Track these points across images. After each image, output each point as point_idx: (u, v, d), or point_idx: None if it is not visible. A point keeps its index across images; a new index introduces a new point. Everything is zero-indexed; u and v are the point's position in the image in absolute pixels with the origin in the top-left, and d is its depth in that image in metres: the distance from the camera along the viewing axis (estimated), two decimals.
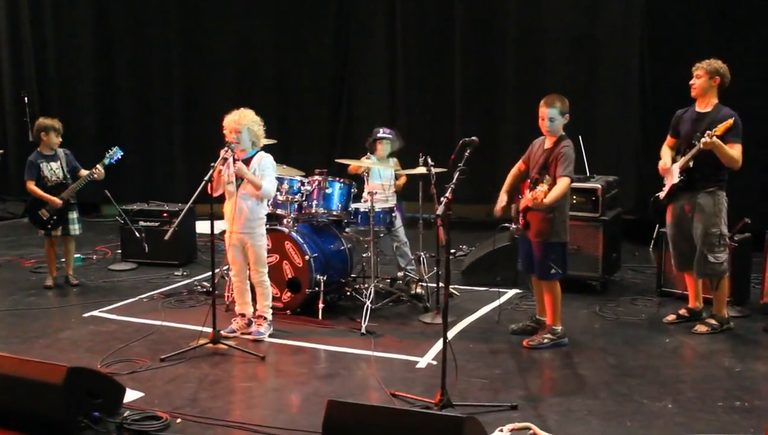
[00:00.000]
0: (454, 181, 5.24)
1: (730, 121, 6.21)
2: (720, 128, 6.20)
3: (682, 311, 7.06)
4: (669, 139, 6.84)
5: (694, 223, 6.60)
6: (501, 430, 4.72)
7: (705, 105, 6.55)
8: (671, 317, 7.06)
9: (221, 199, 6.59)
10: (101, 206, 12.27)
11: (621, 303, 7.66)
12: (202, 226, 9.72)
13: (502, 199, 6.48)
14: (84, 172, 8.11)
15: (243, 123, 6.42)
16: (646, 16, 10.11)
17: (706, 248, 6.54)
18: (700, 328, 6.71)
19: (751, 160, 9.25)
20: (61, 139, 8.15)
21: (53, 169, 8.06)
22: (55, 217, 8.04)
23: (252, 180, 6.36)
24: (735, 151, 6.30)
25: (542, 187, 5.74)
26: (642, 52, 10.18)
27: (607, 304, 7.60)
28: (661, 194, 6.80)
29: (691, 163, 6.47)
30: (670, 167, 6.67)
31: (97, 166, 7.99)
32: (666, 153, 6.81)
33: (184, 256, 9.33)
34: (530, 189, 6.11)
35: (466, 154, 5.55)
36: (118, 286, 8.42)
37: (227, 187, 6.48)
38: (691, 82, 6.55)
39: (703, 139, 6.21)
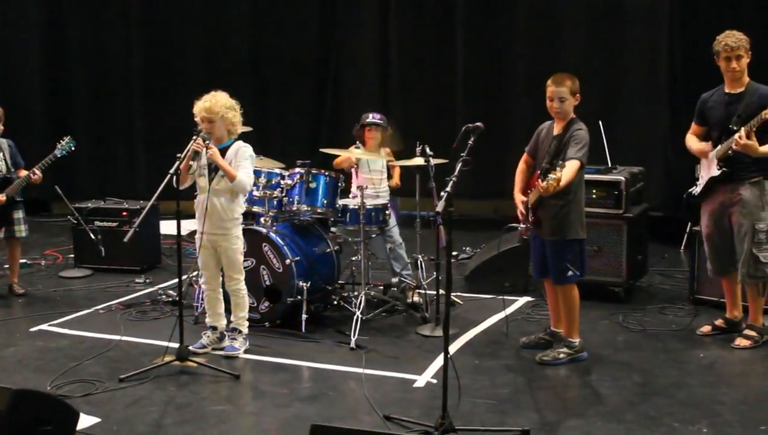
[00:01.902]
0: (456, 173, 5.23)
1: (766, 113, 6.14)
2: (756, 122, 6.17)
3: (719, 322, 7.06)
4: (694, 127, 6.84)
5: (736, 220, 6.60)
6: None
7: (737, 85, 6.53)
8: (706, 329, 7.06)
9: (190, 195, 6.57)
10: (51, 204, 12.24)
11: (648, 312, 7.66)
12: (168, 227, 9.70)
13: (519, 201, 6.47)
14: (23, 173, 8.06)
15: (216, 110, 6.39)
16: None
17: (755, 247, 6.53)
18: (741, 341, 6.71)
19: None
20: (2, 128, 8.11)
21: None
22: None
23: (226, 169, 6.33)
24: None
25: (555, 175, 5.72)
26: (672, 30, 10.20)
27: (632, 313, 7.61)
28: (696, 189, 6.79)
29: (730, 152, 6.46)
30: (708, 154, 6.65)
31: (35, 169, 7.95)
32: (694, 143, 6.81)
33: (147, 261, 9.34)
34: (540, 180, 6.10)
35: (470, 142, 5.56)
36: (71, 296, 8.41)
37: (198, 181, 6.46)
38: (734, 66, 6.44)
39: (735, 139, 6.21)
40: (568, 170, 5.93)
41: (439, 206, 5.12)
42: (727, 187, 6.60)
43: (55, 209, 12.15)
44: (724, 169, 6.53)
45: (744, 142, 6.18)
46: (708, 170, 6.65)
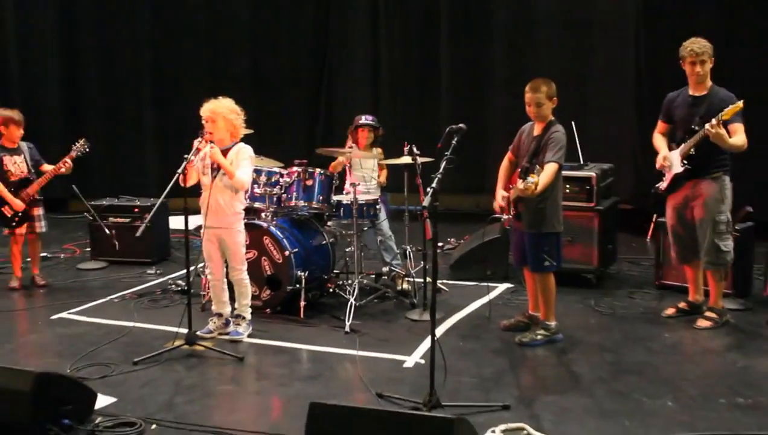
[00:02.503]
0: (441, 170, 5.26)
1: (740, 104, 6.17)
2: (728, 112, 6.17)
3: (682, 305, 7.09)
4: (660, 125, 6.87)
5: (698, 212, 6.63)
6: (493, 431, 4.73)
7: (701, 88, 6.56)
8: (670, 311, 7.10)
9: (196, 192, 6.58)
10: (68, 202, 12.19)
11: (618, 297, 7.69)
12: (176, 222, 9.69)
13: (501, 195, 6.48)
14: (47, 167, 8.07)
15: (217, 112, 6.40)
16: None
17: (716, 237, 6.57)
18: (702, 322, 6.74)
19: (753, 147, 9.34)
20: (23, 132, 8.09)
21: (17, 163, 8.02)
22: (19, 215, 8.00)
23: (226, 167, 6.33)
24: (738, 134, 6.31)
25: (533, 178, 5.75)
26: (638, 34, 10.22)
27: (603, 297, 7.64)
28: (662, 185, 6.81)
29: (692, 150, 6.49)
30: (669, 156, 6.69)
31: (66, 159, 7.95)
32: (660, 142, 6.83)
33: (157, 254, 9.32)
34: (521, 178, 6.11)
35: (454, 142, 5.57)
36: (88, 286, 8.40)
37: (202, 179, 6.47)
38: (698, 70, 6.46)
39: (707, 128, 6.22)
40: (545, 174, 5.96)
41: (426, 201, 5.14)
42: (690, 182, 6.63)
43: (72, 207, 12.09)
44: (687, 166, 6.56)
45: (715, 131, 6.18)
46: (673, 168, 6.67)
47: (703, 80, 6.53)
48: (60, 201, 11.87)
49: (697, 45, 6.45)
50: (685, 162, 6.56)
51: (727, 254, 6.61)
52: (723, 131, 6.20)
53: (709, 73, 6.52)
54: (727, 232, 6.59)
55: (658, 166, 6.78)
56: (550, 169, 6.03)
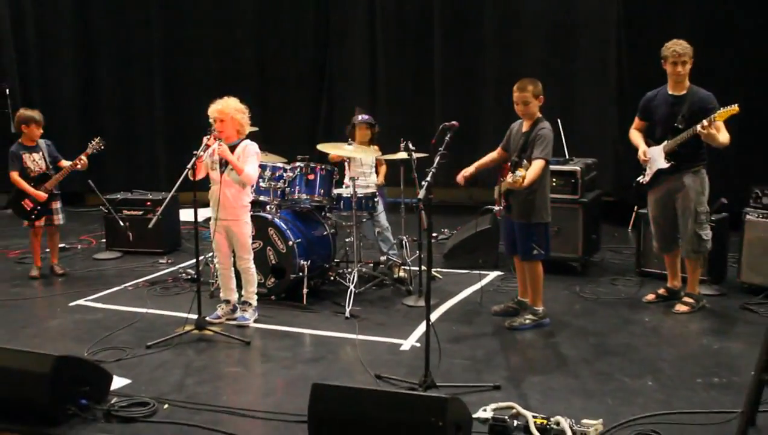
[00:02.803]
0: (435, 165, 5.26)
1: (736, 107, 6.13)
2: (724, 114, 6.16)
3: (661, 291, 7.11)
4: (637, 122, 6.86)
5: (680, 204, 6.64)
6: (484, 410, 4.73)
7: (680, 87, 6.55)
8: (651, 297, 7.11)
9: (205, 186, 6.58)
10: (85, 196, 12.18)
11: (601, 283, 7.70)
12: (186, 214, 9.69)
13: (469, 169, 6.50)
14: (65, 163, 8.06)
15: (225, 111, 6.40)
16: (623, 1, 10.13)
17: (697, 227, 6.58)
18: (680, 307, 6.75)
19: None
20: (42, 131, 8.09)
21: (36, 160, 8.01)
22: (38, 208, 8.00)
23: (234, 163, 6.35)
24: (723, 131, 6.31)
25: (521, 172, 5.75)
26: (619, 36, 10.21)
27: (587, 284, 7.64)
28: (645, 179, 6.80)
29: (677, 148, 6.49)
30: (649, 151, 6.68)
31: (81, 156, 7.95)
32: (637, 137, 6.83)
33: (169, 244, 9.31)
34: (511, 172, 6.12)
35: (447, 138, 5.56)
36: (104, 275, 8.39)
37: (211, 174, 6.47)
38: (679, 70, 6.46)
39: (699, 129, 6.20)
40: (533, 169, 5.98)
41: (421, 194, 5.14)
42: (672, 176, 6.63)
43: (88, 200, 12.08)
44: (672, 162, 6.55)
45: (707, 132, 6.19)
46: (656, 163, 6.66)
47: (682, 80, 6.54)
48: (77, 195, 11.87)
49: (679, 46, 6.45)
50: (669, 158, 6.56)
51: (707, 243, 6.63)
52: (714, 131, 6.20)
53: (688, 73, 6.51)
54: (706, 221, 6.61)
55: (641, 160, 6.77)
56: (537, 164, 6.05)
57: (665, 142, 6.58)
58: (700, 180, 6.56)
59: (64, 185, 8.26)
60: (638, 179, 6.87)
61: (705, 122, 6.17)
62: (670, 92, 6.60)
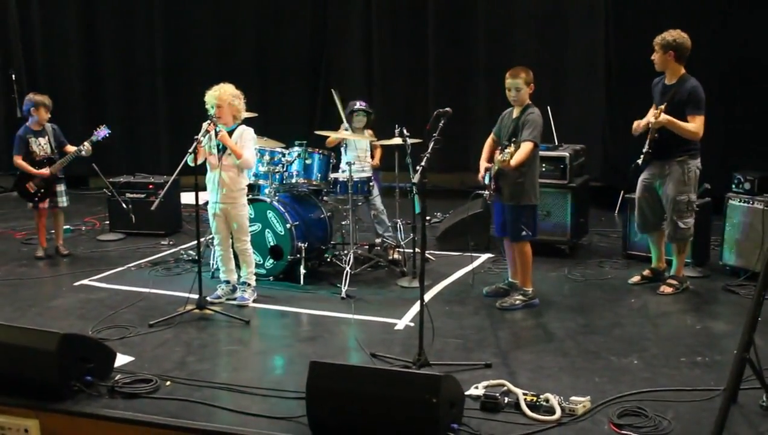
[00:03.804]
0: (429, 150, 5.24)
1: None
2: (661, 109, 6.25)
3: (646, 272, 7.10)
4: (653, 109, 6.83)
5: (663, 190, 6.64)
6: (476, 387, 4.73)
7: (671, 77, 6.55)
8: (636, 278, 7.11)
9: (204, 171, 6.55)
10: (89, 179, 12.13)
11: (589, 266, 7.68)
12: (187, 197, 9.64)
13: (484, 166, 6.46)
14: (71, 148, 8.02)
15: (223, 98, 6.37)
16: None
17: (675, 215, 6.58)
18: (665, 288, 6.75)
19: (710, 128, 9.32)
20: (50, 115, 8.05)
21: (41, 145, 7.97)
22: (42, 190, 7.97)
23: (233, 148, 6.34)
24: (694, 122, 6.34)
25: (509, 150, 5.76)
26: (607, 27, 10.18)
27: (575, 266, 7.63)
28: (640, 160, 6.79)
29: (656, 135, 6.48)
30: (642, 126, 6.65)
31: (85, 143, 7.92)
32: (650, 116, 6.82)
33: (170, 226, 9.26)
34: (499, 153, 6.12)
35: (441, 124, 5.55)
36: (107, 256, 8.36)
37: (209, 159, 6.44)
38: (652, 57, 6.55)
39: (650, 119, 6.31)
40: (522, 150, 6.00)
41: (416, 178, 5.13)
42: (658, 162, 6.63)
43: (92, 183, 12.03)
44: (649, 150, 6.55)
45: (656, 119, 6.27)
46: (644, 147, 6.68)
47: (659, 68, 6.57)
48: (81, 178, 11.81)
49: (658, 37, 6.49)
50: (650, 145, 6.53)
51: (686, 231, 6.63)
52: (663, 118, 6.24)
53: (662, 62, 6.51)
54: (687, 211, 6.60)
55: (633, 128, 6.71)
56: (526, 146, 6.06)
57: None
58: (684, 170, 6.54)
59: (69, 169, 8.21)
60: (636, 161, 6.83)
61: (656, 112, 6.26)
62: (665, 81, 6.61)
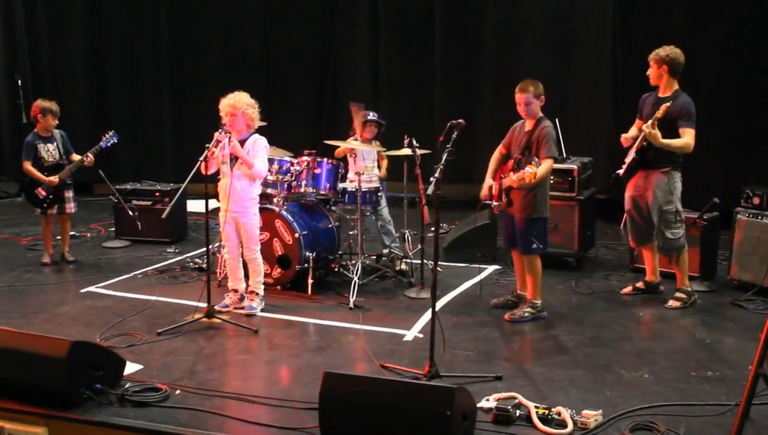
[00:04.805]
0: (443, 161, 5.25)
1: (666, 105, 6.28)
2: (661, 111, 6.27)
3: (640, 284, 7.14)
4: (637, 122, 6.86)
5: (649, 201, 6.67)
6: (487, 400, 4.73)
7: (665, 90, 6.59)
8: (628, 289, 7.15)
9: (215, 178, 6.56)
10: (94, 186, 12.12)
11: (595, 278, 7.69)
12: (193, 205, 9.67)
13: (488, 182, 6.47)
14: (76, 157, 8.03)
15: (239, 106, 6.38)
16: (619, 3, 10.12)
17: (663, 225, 6.62)
18: (673, 303, 6.75)
19: (718, 143, 9.36)
20: (57, 122, 8.06)
21: (50, 150, 7.98)
22: (51, 197, 7.96)
23: (245, 159, 6.34)
24: (686, 135, 6.39)
25: (531, 169, 5.76)
26: (614, 39, 10.20)
27: (582, 279, 7.63)
28: (621, 171, 6.83)
29: (645, 144, 6.52)
30: (630, 139, 6.70)
31: (88, 153, 7.94)
32: (632, 131, 6.85)
33: (176, 234, 9.27)
34: (514, 169, 6.12)
35: (454, 135, 5.55)
36: (113, 263, 8.35)
37: (222, 167, 6.44)
38: (648, 72, 6.63)
39: (643, 128, 6.37)
40: (543, 167, 6.01)
41: (430, 189, 5.13)
42: (643, 172, 6.69)
43: (97, 190, 12.03)
44: (636, 157, 6.59)
45: (648, 131, 6.31)
46: (629, 156, 6.71)
47: (654, 82, 6.62)
48: (86, 185, 11.79)
49: (653, 52, 6.57)
50: (636, 154, 6.58)
51: (674, 241, 6.66)
52: (656, 132, 6.29)
53: (656, 76, 6.58)
54: (675, 221, 6.64)
55: (621, 140, 6.79)
56: (548, 164, 6.08)
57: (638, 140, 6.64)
58: (669, 180, 6.58)
59: (73, 175, 8.20)
60: (617, 172, 6.87)
61: (649, 122, 6.31)
62: (657, 94, 6.64)
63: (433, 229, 5.30)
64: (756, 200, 7.10)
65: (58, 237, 8.39)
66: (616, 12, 10.15)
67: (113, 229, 9.42)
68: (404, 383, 4.48)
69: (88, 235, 9.67)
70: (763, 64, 9.30)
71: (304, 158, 7.33)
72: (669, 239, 6.63)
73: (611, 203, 9.90)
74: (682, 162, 6.62)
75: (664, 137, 6.35)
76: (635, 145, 6.59)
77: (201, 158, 6.08)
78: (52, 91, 11.61)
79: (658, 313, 6.67)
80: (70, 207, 8.15)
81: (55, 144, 8.01)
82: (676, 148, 6.43)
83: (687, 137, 6.39)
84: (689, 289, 6.83)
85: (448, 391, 4.08)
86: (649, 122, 6.32)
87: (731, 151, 9.41)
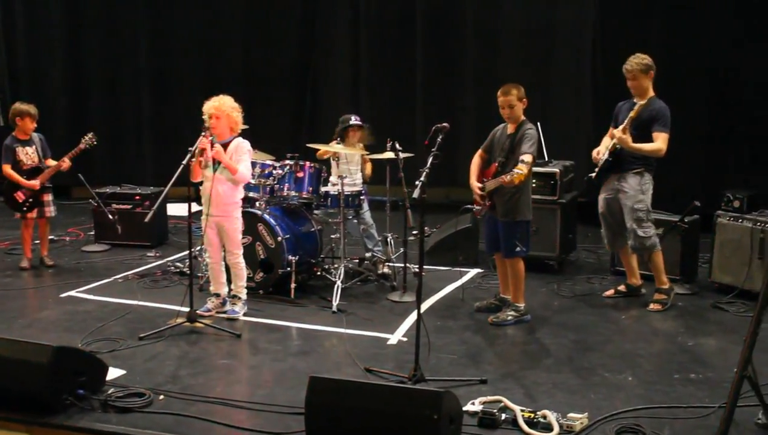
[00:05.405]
0: (428, 165, 5.25)
1: (640, 104, 6.43)
2: (633, 111, 6.44)
3: (621, 287, 7.20)
4: (610, 131, 6.91)
5: (622, 202, 6.74)
6: (473, 403, 4.73)
7: (641, 98, 6.64)
8: (610, 292, 7.21)
9: (197, 182, 6.52)
10: (72, 189, 12.02)
11: (577, 281, 7.72)
12: (173, 208, 9.62)
13: (476, 187, 6.46)
14: (51, 162, 7.97)
15: (222, 109, 6.36)
16: (599, 9, 10.17)
17: (635, 223, 6.69)
18: (654, 306, 6.80)
19: (698, 147, 9.45)
20: (36, 125, 7.99)
21: (29, 154, 7.91)
22: (31, 200, 7.89)
23: (228, 164, 6.31)
24: (658, 139, 6.47)
25: (521, 171, 5.78)
26: (595, 43, 10.26)
27: (564, 282, 7.66)
28: (593, 174, 6.91)
29: (618, 146, 6.60)
30: (601, 153, 6.82)
31: (65, 158, 7.90)
32: (605, 140, 6.91)
33: (156, 238, 9.20)
34: (497, 173, 6.13)
35: (439, 139, 5.56)
36: (93, 267, 8.27)
37: (204, 172, 6.40)
38: (629, 84, 6.66)
39: (614, 131, 6.50)
40: (525, 164, 5.97)
41: (416, 193, 5.13)
42: (615, 175, 6.78)
43: (75, 193, 11.93)
44: (609, 159, 6.70)
45: (619, 136, 6.45)
46: (602, 160, 6.80)
47: (638, 93, 6.64)
48: (64, 188, 11.69)
49: (629, 63, 6.64)
50: (610, 156, 6.68)
51: (646, 240, 6.72)
52: (627, 136, 6.43)
53: (643, 86, 6.61)
54: (646, 220, 6.71)
55: (593, 158, 6.90)
56: (528, 159, 6.06)
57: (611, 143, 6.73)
58: (641, 181, 6.66)
59: (53, 178, 8.13)
60: (589, 175, 6.94)
61: (620, 128, 6.46)
62: (634, 100, 6.69)
63: (415, 232, 5.30)
64: (736, 203, 7.18)
65: (37, 241, 8.31)
66: (597, 16, 10.20)
67: (92, 232, 9.34)
68: (391, 387, 4.46)
69: (67, 238, 9.58)
70: (742, 68, 9.39)
71: (287, 162, 7.31)
72: (640, 238, 6.69)
73: (592, 206, 9.95)
74: (655, 165, 6.71)
75: (638, 141, 6.47)
76: (609, 148, 6.67)
77: (184, 162, 6.04)
78: (31, 94, 11.52)
79: (640, 315, 6.71)
80: (50, 211, 8.08)
81: (33, 147, 7.95)
82: (647, 153, 6.54)
83: (659, 142, 6.48)
84: (667, 286, 6.88)
85: (435, 394, 4.08)
86: (621, 126, 6.42)
87: (712, 155, 9.48)
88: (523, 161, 5.97)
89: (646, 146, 6.50)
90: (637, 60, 6.60)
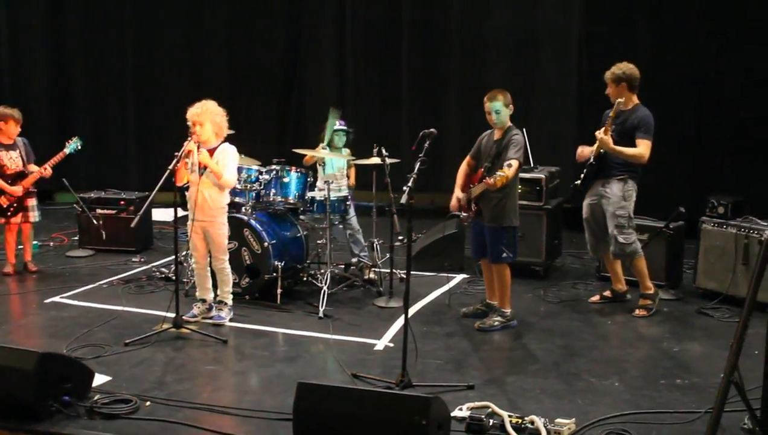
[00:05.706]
0: (415, 171, 5.26)
1: (618, 102, 6.51)
2: (612, 111, 6.52)
3: (607, 293, 7.23)
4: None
5: (604, 207, 6.79)
6: (461, 409, 4.74)
7: (626, 104, 6.69)
8: (596, 298, 7.24)
9: (183, 187, 6.50)
10: (55, 194, 11.96)
11: (563, 287, 7.74)
12: (158, 214, 9.58)
13: (458, 195, 6.49)
14: (33, 168, 7.92)
15: (205, 115, 6.33)
16: (584, 17, 10.23)
17: (616, 229, 6.73)
18: (639, 311, 6.84)
19: (683, 154, 9.50)
20: (20, 129, 7.95)
21: (12, 158, 7.86)
22: (15, 205, 7.84)
23: (214, 169, 6.28)
24: (641, 146, 6.52)
25: (503, 173, 5.80)
26: (580, 49, 10.31)
27: (550, 288, 7.68)
28: (579, 182, 6.94)
29: (602, 151, 6.65)
30: (585, 153, 6.85)
31: (46, 165, 7.86)
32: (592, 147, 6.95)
33: (141, 243, 9.15)
34: (483, 178, 6.13)
35: (426, 145, 5.56)
36: (77, 273, 8.22)
37: (190, 177, 6.38)
38: (607, 92, 6.74)
39: (597, 133, 6.55)
40: (510, 169, 5.99)
41: (403, 198, 5.14)
42: (600, 181, 6.82)
43: (58, 198, 11.87)
44: (593, 163, 6.74)
45: (600, 136, 6.51)
46: (586, 164, 6.85)
47: (616, 99, 6.66)
48: (47, 192, 11.63)
49: (608, 72, 6.72)
50: (594, 161, 6.72)
51: (626, 246, 6.76)
52: (607, 137, 6.50)
53: (617, 94, 6.66)
54: (627, 226, 6.75)
55: (577, 156, 6.97)
56: (514, 164, 6.08)
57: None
58: (624, 187, 6.71)
59: (37, 183, 8.07)
60: (575, 182, 6.97)
61: (602, 130, 6.51)
62: (621, 108, 6.72)
63: (401, 237, 5.30)
64: (721, 210, 7.23)
65: (20, 246, 8.26)
66: (582, 23, 10.26)
67: (76, 237, 9.29)
68: (379, 393, 4.47)
69: (51, 244, 9.51)
70: (727, 74, 9.46)
71: (273, 167, 7.31)
72: (621, 244, 6.73)
73: (577, 212, 9.99)
74: (639, 172, 6.74)
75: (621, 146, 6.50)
76: (593, 153, 6.71)
77: (170, 167, 6.02)
78: (14, 98, 11.43)
79: (626, 321, 6.74)
80: (34, 216, 8.02)
81: (17, 151, 7.90)
82: (628, 157, 6.57)
83: (642, 147, 6.53)
84: (652, 291, 6.93)
85: (423, 400, 4.08)
86: (603, 127, 6.49)
87: (697, 161, 9.54)
88: (510, 166, 5.99)
89: (627, 150, 6.54)
90: (612, 69, 6.69)
